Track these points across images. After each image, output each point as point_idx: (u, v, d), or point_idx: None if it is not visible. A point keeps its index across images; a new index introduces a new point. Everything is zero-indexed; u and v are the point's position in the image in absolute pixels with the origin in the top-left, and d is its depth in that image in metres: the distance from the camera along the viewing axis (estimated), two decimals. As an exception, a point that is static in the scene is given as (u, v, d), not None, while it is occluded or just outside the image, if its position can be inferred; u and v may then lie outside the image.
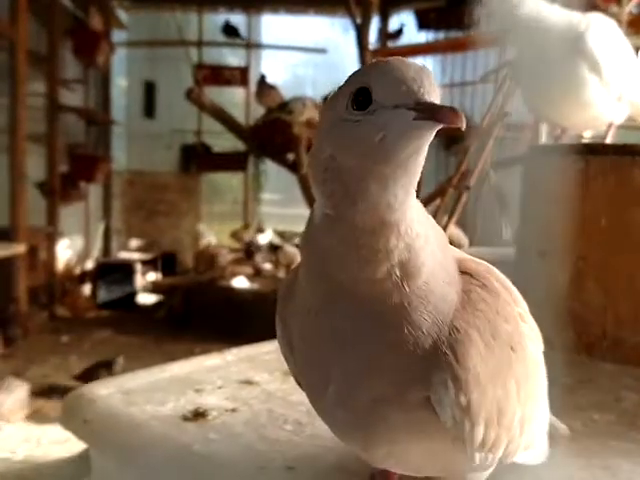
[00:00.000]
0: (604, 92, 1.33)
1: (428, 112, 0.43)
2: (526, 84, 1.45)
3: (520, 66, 1.43)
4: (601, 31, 1.34)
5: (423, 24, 6.82)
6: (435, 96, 0.45)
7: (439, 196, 2.70)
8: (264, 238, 6.19)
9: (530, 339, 0.57)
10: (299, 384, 0.63)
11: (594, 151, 1.23)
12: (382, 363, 0.50)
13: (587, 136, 1.61)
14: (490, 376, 0.50)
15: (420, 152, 0.47)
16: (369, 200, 0.47)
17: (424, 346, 0.49)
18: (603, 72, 1.30)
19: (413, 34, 6.96)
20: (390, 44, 6.99)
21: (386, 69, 0.46)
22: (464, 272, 0.53)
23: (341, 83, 0.50)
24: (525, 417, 0.55)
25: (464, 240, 2.59)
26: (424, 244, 0.49)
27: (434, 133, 0.45)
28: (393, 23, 7.15)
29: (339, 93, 0.49)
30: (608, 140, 1.44)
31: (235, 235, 6.63)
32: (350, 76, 0.49)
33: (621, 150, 1.20)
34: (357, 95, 0.47)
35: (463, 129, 0.43)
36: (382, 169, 0.46)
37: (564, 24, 1.32)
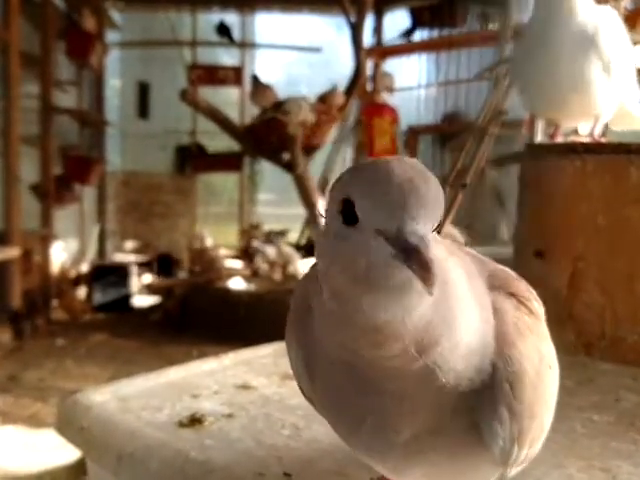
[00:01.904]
0: (610, 92, 1.31)
1: (405, 257, 0.37)
2: (529, 75, 1.39)
3: (527, 57, 1.37)
4: (616, 28, 1.31)
5: (418, 21, 6.83)
6: (427, 217, 0.38)
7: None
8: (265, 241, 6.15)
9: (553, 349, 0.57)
10: (310, 401, 0.59)
11: (590, 150, 1.23)
12: (422, 404, 0.46)
13: (583, 134, 1.61)
14: (538, 401, 0.50)
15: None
16: (365, 319, 0.41)
17: (467, 382, 0.46)
18: (613, 72, 1.28)
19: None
20: (404, 42, 6.97)
21: (368, 181, 0.39)
22: (511, 294, 0.51)
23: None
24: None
25: (461, 240, 2.58)
26: (437, 319, 0.43)
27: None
28: (387, 21, 7.16)
29: (331, 193, 0.42)
30: (602, 139, 1.43)
31: (244, 234, 6.58)
32: (340, 175, 0.42)
33: (617, 149, 1.19)
34: (345, 205, 0.40)
35: (430, 294, 0.37)
36: (374, 298, 0.40)
37: (582, 18, 1.28)
